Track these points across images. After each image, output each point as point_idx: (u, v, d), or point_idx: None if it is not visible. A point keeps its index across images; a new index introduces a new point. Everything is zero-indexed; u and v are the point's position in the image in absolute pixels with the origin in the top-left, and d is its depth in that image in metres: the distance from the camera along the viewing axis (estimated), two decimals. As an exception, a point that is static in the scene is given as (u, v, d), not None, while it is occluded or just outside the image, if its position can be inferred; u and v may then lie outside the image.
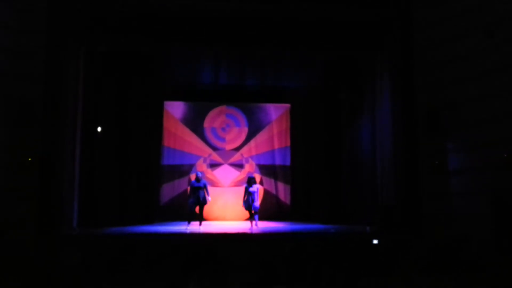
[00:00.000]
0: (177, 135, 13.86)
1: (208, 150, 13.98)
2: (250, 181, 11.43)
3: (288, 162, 14.09)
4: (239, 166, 14.02)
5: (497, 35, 8.88)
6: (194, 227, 10.92)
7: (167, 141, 13.74)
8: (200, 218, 11.21)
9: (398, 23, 10.28)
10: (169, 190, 13.55)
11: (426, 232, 9.16)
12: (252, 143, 14.11)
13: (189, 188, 11.96)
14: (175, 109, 13.93)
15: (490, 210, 8.77)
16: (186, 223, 11.09)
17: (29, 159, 9.16)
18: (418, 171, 9.87)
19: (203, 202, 11.12)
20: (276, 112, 14.29)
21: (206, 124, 14.06)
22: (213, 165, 13.94)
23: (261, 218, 12.64)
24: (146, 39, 10.37)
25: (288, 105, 14.30)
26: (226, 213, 13.43)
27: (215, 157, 13.99)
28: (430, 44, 10.10)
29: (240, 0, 9.94)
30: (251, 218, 11.36)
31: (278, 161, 14.09)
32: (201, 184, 11.14)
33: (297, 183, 13.90)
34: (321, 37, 10.54)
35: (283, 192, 13.93)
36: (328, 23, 10.44)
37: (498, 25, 8.91)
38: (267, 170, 14.04)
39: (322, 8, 10.15)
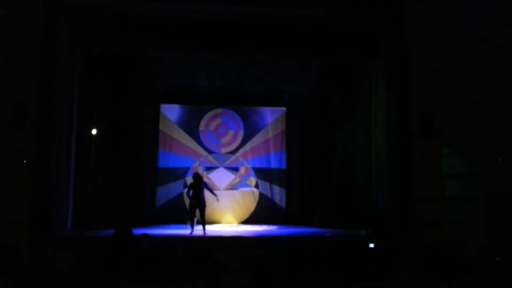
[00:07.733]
0: (173, 138, 13.84)
1: (204, 153, 13.96)
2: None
3: (283, 166, 14.09)
4: (234, 169, 14.01)
5: (492, 41, 8.93)
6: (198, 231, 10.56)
7: (162, 144, 13.71)
8: (203, 223, 10.55)
9: (392, 28, 10.33)
10: (165, 193, 13.51)
11: (421, 237, 9.17)
12: (247, 146, 14.09)
13: (186, 190, 11.37)
14: (171, 111, 13.91)
15: (484, 215, 8.80)
16: (190, 227, 10.49)
17: (24, 161, 9.10)
18: (412, 176, 9.89)
19: (203, 206, 10.58)
20: (272, 116, 14.29)
21: (202, 127, 14.04)
22: (209, 168, 13.92)
23: (256, 222, 12.64)
24: (142, 42, 10.38)
25: (284, 109, 14.29)
26: (221, 216, 13.40)
27: (211, 160, 13.97)
28: (425, 49, 10.14)
29: (236, 5, 9.96)
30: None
31: (273, 165, 14.09)
32: (202, 185, 10.65)
33: (293, 186, 13.90)
34: (316, 42, 10.59)
35: (278, 195, 13.91)
36: (323, 29, 10.50)
37: (492, 31, 8.96)
38: (262, 173, 14.02)
39: (317, 13, 10.21)
